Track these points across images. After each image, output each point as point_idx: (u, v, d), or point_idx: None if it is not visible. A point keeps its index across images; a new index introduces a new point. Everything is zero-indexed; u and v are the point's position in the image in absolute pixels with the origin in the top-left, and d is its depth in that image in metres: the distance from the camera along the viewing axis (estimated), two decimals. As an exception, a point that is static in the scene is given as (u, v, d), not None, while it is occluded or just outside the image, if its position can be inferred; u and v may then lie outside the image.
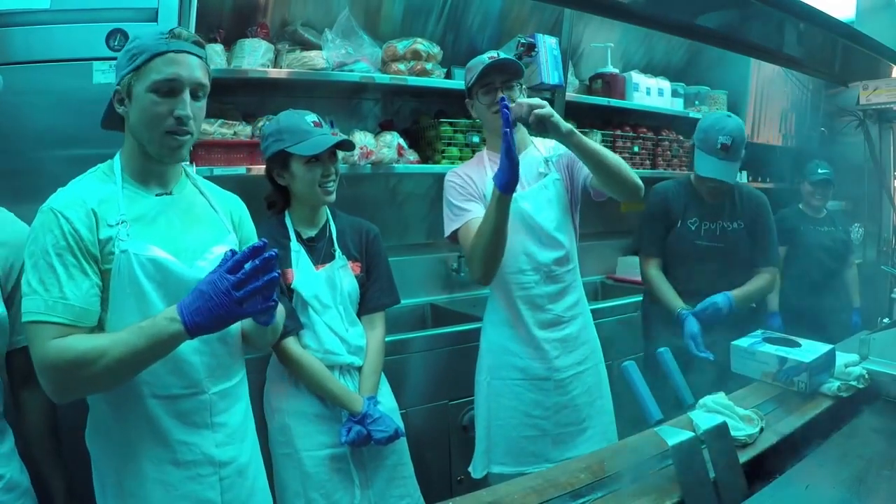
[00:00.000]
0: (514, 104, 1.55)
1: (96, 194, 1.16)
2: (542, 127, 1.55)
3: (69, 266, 1.09)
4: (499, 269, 1.75)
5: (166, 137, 1.17)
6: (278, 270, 1.08)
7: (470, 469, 1.94)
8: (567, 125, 1.59)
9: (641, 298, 2.44)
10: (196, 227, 1.26)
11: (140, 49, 1.15)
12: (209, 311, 1.04)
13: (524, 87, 1.86)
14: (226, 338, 1.26)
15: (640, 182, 1.69)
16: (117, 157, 1.24)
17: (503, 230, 1.63)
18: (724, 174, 2.06)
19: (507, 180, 1.52)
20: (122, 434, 1.17)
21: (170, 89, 1.15)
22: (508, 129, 1.44)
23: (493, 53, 1.81)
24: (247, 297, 1.05)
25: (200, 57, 1.19)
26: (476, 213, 1.77)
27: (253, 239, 1.41)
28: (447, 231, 1.84)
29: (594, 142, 1.66)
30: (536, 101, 1.56)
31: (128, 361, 1.06)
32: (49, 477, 1.39)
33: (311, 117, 1.65)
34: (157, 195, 1.23)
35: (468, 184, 1.83)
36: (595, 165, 1.66)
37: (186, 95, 1.17)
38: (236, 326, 1.30)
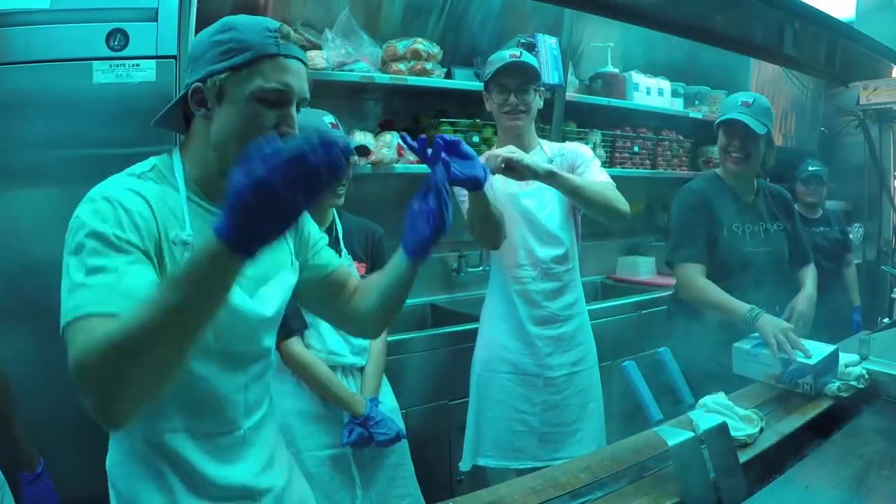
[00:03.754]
0: (486, 155, 1.60)
1: (159, 202, 0.95)
2: (514, 173, 1.59)
3: (127, 253, 0.87)
4: (500, 254, 1.82)
5: None
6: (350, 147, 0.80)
7: (459, 463, 1.94)
8: (546, 167, 1.63)
9: (667, 306, 2.23)
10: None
11: (241, 45, 0.95)
12: (259, 213, 0.71)
13: (541, 90, 1.86)
14: (267, 372, 1.16)
15: (625, 208, 1.72)
16: (177, 159, 1.03)
17: (487, 218, 1.65)
18: (747, 120, 1.89)
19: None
20: (151, 468, 1.05)
21: (277, 100, 0.97)
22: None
23: (516, 51, 1.81)
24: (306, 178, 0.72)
25: (306, 64, 1.02)
26: None
27: (315, 231, 1.24)
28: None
29: (575, 179, 1.69)
30: (507, 150, 1.62)
31: (168, 330, 0.75)
32: (9, 444, 1.40)
33: (329, 118, 1.65)
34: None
35: None
36: (580, 201, 1.72)
37: (293, 109, 0.99)
38: (273, 354, 1.18)
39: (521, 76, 1.78)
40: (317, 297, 1.24)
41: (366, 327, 1.28)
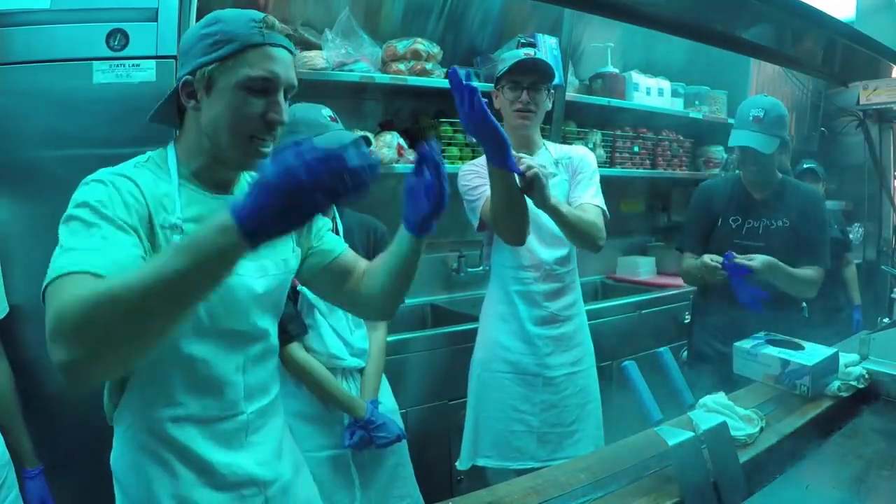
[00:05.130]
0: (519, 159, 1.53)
1: (150, 187, 0.98)
2: (528, 188, 1.56)
3: (115, 222, 0.90)
4: (501, 254, 1.82)
5: (252, 142, 1.01)
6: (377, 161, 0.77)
7: (457, 462, 1.95)
8: (553, 202, 1.63)
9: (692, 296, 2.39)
10: None
11: (227, 36, 0.98)
12: (279, 201, 0.71)
13: (552, 91, 1.86)
14: (267, 356, 1.16)
15: (602, 242, 1.79)
16: (171, 151, 1.06)
17: (516, 201, 1.60)
18: (757, 143, 1.97)
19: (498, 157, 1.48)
20: (156, 458, 1.05)
21: (263, 88, 0.99)
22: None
23: (530, 51, 1.81)
24: (337, 176, 0.72)
25: (293, 53, 1.05)
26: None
27: (318, 219, 1.22)
28: (474, 219, 1.84)
29: (568, 215, 1.70)
30: (536, 162, 1.57)
31: (162, 294, 0.73)
32: (15, 441, 1.46)
33: (327, 112, 1.65)
34: (214, 196, 1.07)
35: (481, 169, 1.83)
36: (564, 230, 1.74)
37: (281, 97, 1.02)
38: (273, 338, 1.18)
39: (535, 74, 1.78)
40: (325, 283, 1.25)
41: (377, 310, 1.29)
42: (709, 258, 1.95)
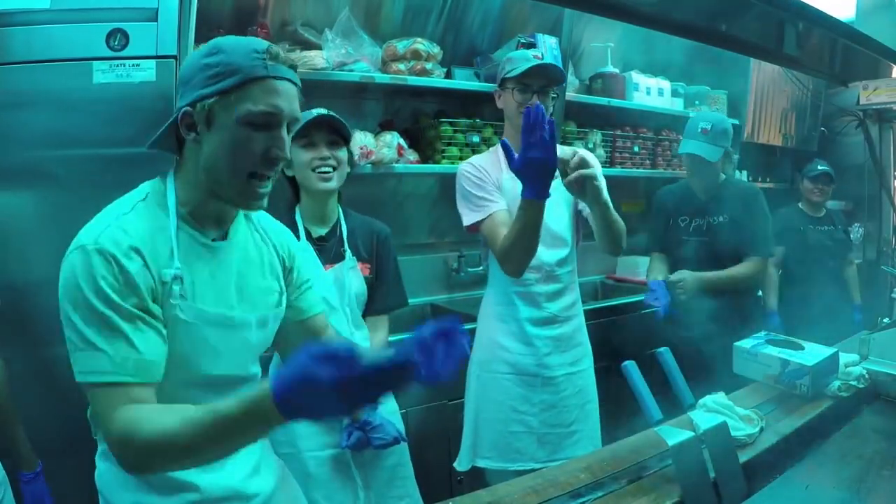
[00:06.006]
0: (563, 156, 1.53)
1: (150, 245, 0.95)
2: (580, 188, 1.55)
3: (134, 315, 0.90)
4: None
5: (250, 182, 0.97)
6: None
7: (455, 463, 1.95)
8: (606, 197, 1.62)
9: None
10: (251, 277, 1.10)
11: (229, 68, 0.94)
12: (321, 402, 0.76)
13: (558, 96, 1.86)
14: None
15: (624, 245, 1.79)
16: (171, 185, 1.02)
17: (539, 232, 1.60)
18: (702, 151, 2.24)
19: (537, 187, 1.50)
20: (140, 477, 1.05)
21: (266, 123, 0.95)
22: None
23: (538, 52, 1.81)
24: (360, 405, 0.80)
25: (297, 85, 1.00)
26: (500, 205, 1.76)
27: (305, 271, 1.24)
28: (468, 221, 1.81)
29: (614, 212, 1.69)
30: (585, 155, 1.56)
31: (212, 440, 0.82)
32: (10, 442, 1.44)
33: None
34: (213, 240, 1.04)
35: (486, 175, 1.81)
36: (602, 227, 1.71)
37: (284, 132, 0.98)
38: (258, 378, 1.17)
39: (545, 78, 1.77)
40: (288, 339, 1.21)
41: None
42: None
